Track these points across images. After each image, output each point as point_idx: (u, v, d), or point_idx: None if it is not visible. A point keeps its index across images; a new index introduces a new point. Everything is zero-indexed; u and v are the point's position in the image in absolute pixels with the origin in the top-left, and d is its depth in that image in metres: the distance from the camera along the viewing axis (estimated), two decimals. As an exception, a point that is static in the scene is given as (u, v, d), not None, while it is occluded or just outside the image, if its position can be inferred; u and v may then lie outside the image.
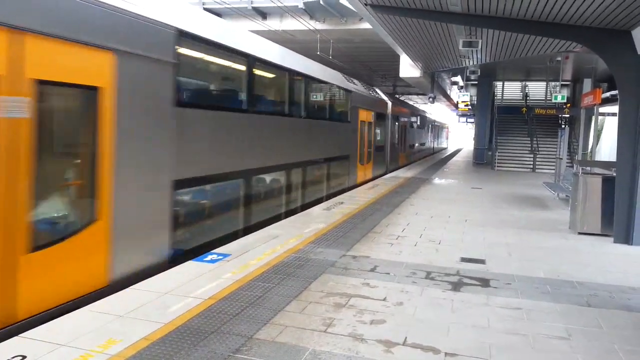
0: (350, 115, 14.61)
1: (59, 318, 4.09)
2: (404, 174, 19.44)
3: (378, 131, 18.64)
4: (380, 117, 18.90)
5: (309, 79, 11.38)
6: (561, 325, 4.40)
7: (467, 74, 20.33)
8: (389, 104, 20.57)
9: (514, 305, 4.86)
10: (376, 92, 19.53)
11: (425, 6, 10.23)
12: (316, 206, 10.45)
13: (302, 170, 11.07)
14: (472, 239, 7.80)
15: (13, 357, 3.36)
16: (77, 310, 4.26)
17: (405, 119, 24.69)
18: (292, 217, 9.04)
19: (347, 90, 14.29)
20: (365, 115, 16.19)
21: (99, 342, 3.65)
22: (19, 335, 3.74)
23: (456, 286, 5.35)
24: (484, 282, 5.53)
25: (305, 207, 11.02)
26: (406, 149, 25.32)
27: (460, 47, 12.21)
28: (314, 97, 12.16)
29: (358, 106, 15.24)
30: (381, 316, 4.40)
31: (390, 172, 20.44)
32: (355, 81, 16.56)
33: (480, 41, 11.67)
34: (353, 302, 4.73)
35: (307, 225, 8.26)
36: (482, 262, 6.41)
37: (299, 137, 10.80)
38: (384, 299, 4.84)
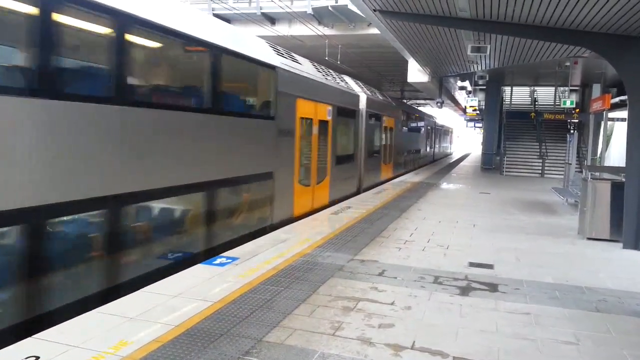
0: (275, 108, 8.92)
1: (71, 320, 4.15)
2: (411, 178, 19.41)
3: (343, 134, 13.66)
4: (347, 114, 13.71)
5: (180, 40, 6.35)
6: (569, 330, 4.40)
7: (476, 79, 20.34)
8: (363, 97, 15.33)
9: (522, 310, 4.86)
10: (344, 81, 14.56)
11: (434, 12, 10.26)
12: (323, 211, 10.48)
13: (136, 210, 5.69)
14: (481, 244, 7.79)
15: (27, 358, 3.42)
16: (88, 313, 4.31)
17: (391, 119, 19.61)
18: (301, 221, 9.08)
19: (267, 67, 8.68)
20: (314, 111, 10.83)
21: (111, 344, 3.70)
22: (33, 336, 3.80)
23: (464, 291, 5.35)
24: (493, 287, 5.53)
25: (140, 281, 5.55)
26: (392, 158, 20.07)
27: (469, 53, 12.23)
28: (192, 74, 7.12)
29: (296, 95, 9.82)
30: (389, 320, 4.42)
31: (367, 189, 15.40)
32: (302, 60, 11.13)
33: (488, 46, 11.68)
34: (361, 305, 4.75)
35: (315, 230, 8.29)
36: (490, 267, 6.40)
37: (141, 145, 5.50)
38: (392, 303, 4.85)
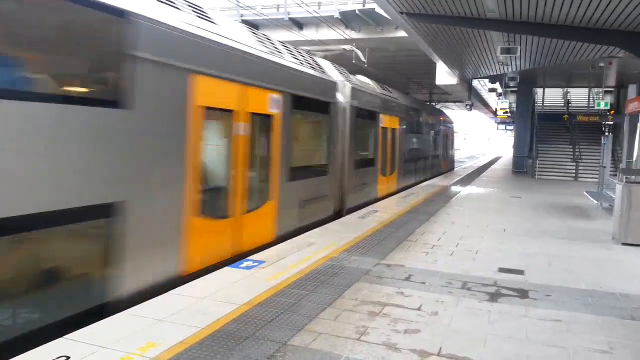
0: (127, 86, 4.89)
1: (101, 320, 4.24)
2: (440, 182, 19.18)
3: (307, 135, 10.18)
4: (313, 107, 9.76)
5: None
6: (603, 338, 4.26)
7: (506, 81, 19.99)
8: (344, 86, 11.27)
9: (553, 317, 4.73)
10: (319, 66, 10.36)
11: (462, 13, 10.16)
12: (350, 215, 10.44)
13: None
14: (511, 248, 7.64)
15: (58, 357, 3.52)
16: (118, 314, 4.41)
17: (395, 119, 15.22)
18: (327, 225, 9.07)
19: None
20: (238, 97, 6.86)
21: (139, 345, 3.77)
22: (63, 336, 3.90)
23: (493, 297, 5.25)
24: (523, 293, 5.41)
25: None
26: (396, 168, 15.70)
27: (498, 54, 12.05)
28: None
29: (191, 69, 5.80)
30: (416, 325, 4.37)
31: (355, 209, 11.41)
32: (220, 18, 7.13)
33: (519, 47, 11.48)
34: (387, 310, 4.72)
35: (342, 234, 8.27)
36: (520, 272, 6.26)
37: None
38: (419, 308, 4.80)
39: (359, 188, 12.24)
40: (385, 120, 14.21)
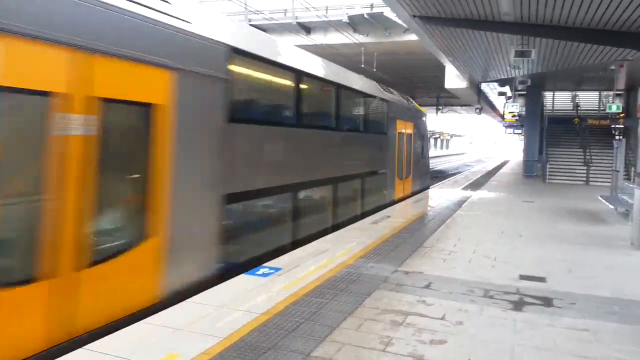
0: None
1: (120, 330, 4.16)
2: (451, 186, 19.05)
3: None
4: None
5: None
6: (633, 347, 4.13)
7: (516, 84, 19.86)
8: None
9: (580, 326, 4.61)
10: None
11: (476, 16, 10.07)
12: (364, 219, 10.34)
13: None
14: (529, 254, 7.50)
15: (79, 369, 3.40)
16: (136, 323, 4.32)
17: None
18: (340, 231, 8.97)
19: None
20: None
21: (160, 356, 3.68)
22: (83, 347, 3.82)
23: (517, 305, 5.13)
24: (547, 302, 5.28)
25: None
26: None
27: (512, 57, 11.94)
28: None
29: None
30: (441, 336, 4.26)
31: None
32: None
33: (533, 51, 11.36)
34: (410, 320, 4.61)
35: (356, 240, 8.17)
36: (542, 280, 6.13)
37: None
38: (443, 318, 4.69)
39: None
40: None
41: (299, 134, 8.46)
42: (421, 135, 16.91)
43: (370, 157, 12.21)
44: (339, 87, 9.94)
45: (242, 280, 5.70)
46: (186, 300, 4.99)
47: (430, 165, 18.69)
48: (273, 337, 4.13)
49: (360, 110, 11.52)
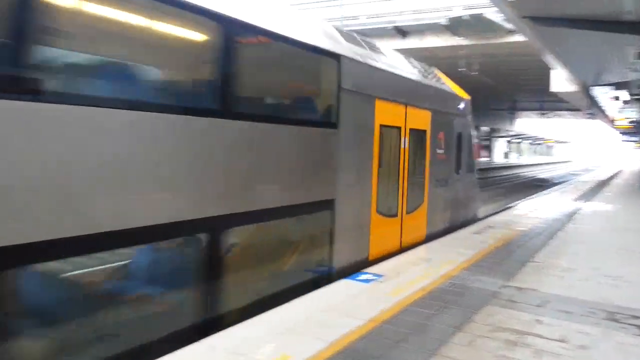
0: None
1: (234, 326, 4.32)
2: (559, 197, 17.83)
3: None
4: None
5: None
6: None
7: (633, 88, 18.20)
8: None
9: None
10: None
11: (593, 16, 9.37)
12: (465, 229, 9.96)
13: None
14: (656, 276, 6.78)
15: (198, 363, 3.57)
16: (252, 319, 4.47)
17: None
18: (442, 239, 8.71)
19: None
20: None
21: (274, 356, 3.76)
22: (199, 341, 4.00)
23: (648, 332, 4.64)
24: (684, 330, 4.72)
25: None
26: None
27: (632, 60, 10.95)
28: None
29: None
30: (564, 360, 3.95)
31: None
32: None
33: (659, 51, 10.34)
34: (527, 340, 4.31)
35: (458, 250, 7.87)
36: (675, 305, 5.51)
37: None
38: (563, 341, 4.35)
39: None
40: None
41: None
42: (455, 134, 10.27)
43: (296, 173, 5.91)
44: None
45: (345, 285, 5.69)
46: (290, 301, 5.07)
47: (477, 182, 12.18)
48: (382, 346, 4.06)
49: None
